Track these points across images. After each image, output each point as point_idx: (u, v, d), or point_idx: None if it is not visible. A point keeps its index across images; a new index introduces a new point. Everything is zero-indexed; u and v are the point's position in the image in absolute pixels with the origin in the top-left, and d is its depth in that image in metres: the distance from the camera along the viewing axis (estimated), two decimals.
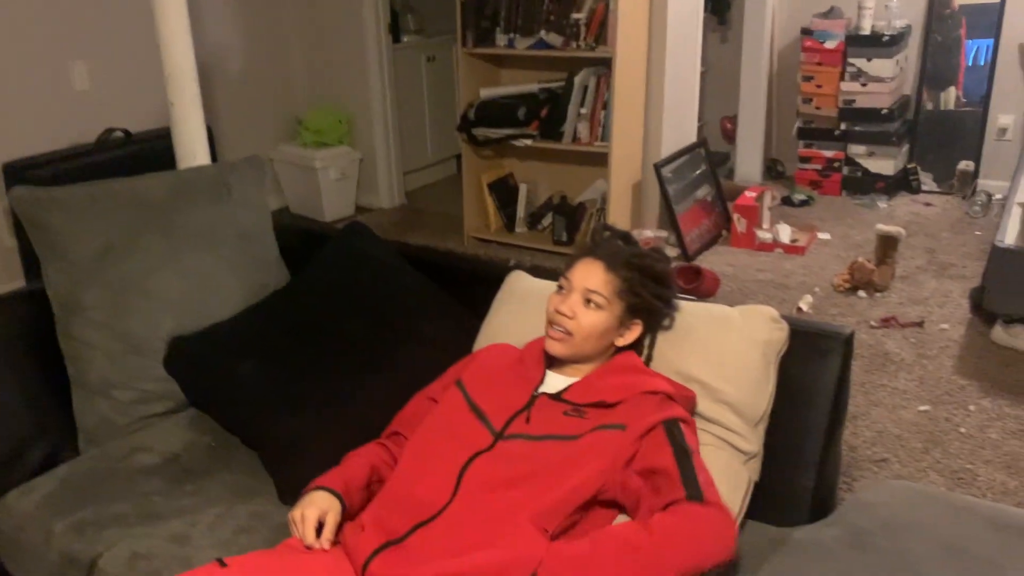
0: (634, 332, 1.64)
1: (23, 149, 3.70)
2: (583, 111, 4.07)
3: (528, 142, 4.20)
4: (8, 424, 1.90)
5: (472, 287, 2.09)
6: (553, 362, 1.66)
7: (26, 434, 1.92)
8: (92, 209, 1.96)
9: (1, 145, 3.68)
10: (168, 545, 1.58)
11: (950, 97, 4.90)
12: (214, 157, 2.71)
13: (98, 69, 4.08)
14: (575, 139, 4.12)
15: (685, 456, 1.41)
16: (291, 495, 1.68)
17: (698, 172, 4.46)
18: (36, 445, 1.93)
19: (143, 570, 1.54)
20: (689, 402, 1.58)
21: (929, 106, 4.97)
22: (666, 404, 1.50)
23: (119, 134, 3.91)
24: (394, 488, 1.50)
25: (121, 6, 4.09)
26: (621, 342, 1.63)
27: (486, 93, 4.34)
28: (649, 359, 1.68)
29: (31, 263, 2.01)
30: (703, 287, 3.71)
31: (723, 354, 1.64)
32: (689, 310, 1.72)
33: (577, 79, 4.01)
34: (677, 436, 1.44)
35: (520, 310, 1.88)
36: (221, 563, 1.37)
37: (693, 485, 1.37)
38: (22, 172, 3.51)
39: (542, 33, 4.02)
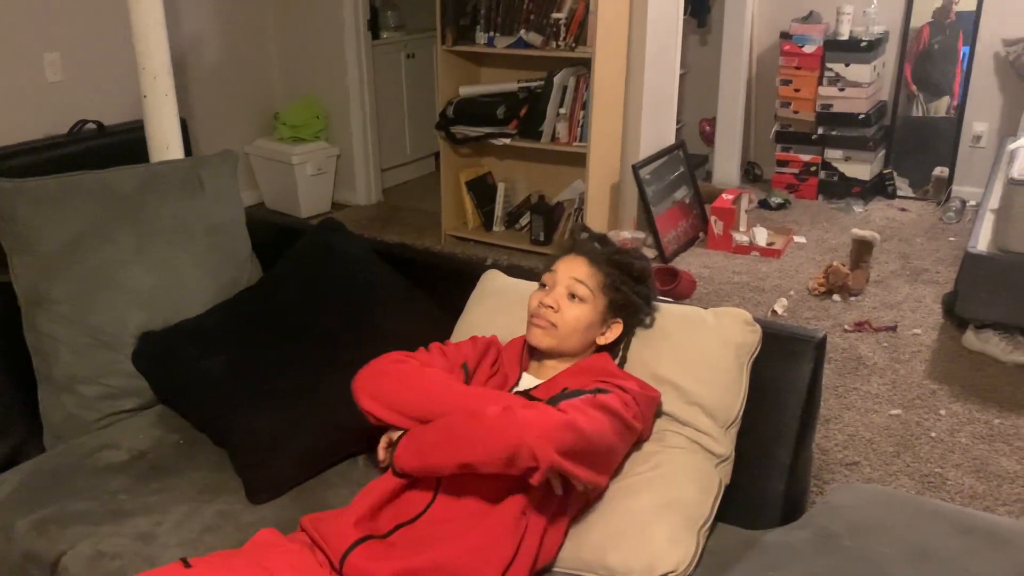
0: (615, 331, 1.64)
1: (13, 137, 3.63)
2: (562, 111, 4.06)
3: (507, 141, 4.19)
4: None
5: (448, 285, 2.08)
6: (530, 363, 1.66)
7: None
8: (61, 201, 1.92)
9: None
10: (133, 544, 1.56)
11: (941, 105, 4.93)
12: (188, 151, 2.68)
13: (71, 60, 4.03)
14: (554, 139, 4.12)
15: (577, 394, 1.43)
16: (259, 493, 1.66)
17: (676, 174, 4.48)
18: (0, 441, 1.89)
19: (107, 569, 1.52)
20: (653, 402, 1.59)
21: (919, 113, 4.99)
22: (612, 388, 1.50)
23: (91, 126, 3.86)
24: (381, 487, 1.49)
25: None
26: (602, 340, 1.64)
27: (465, 91, 4.33)
28: (624, 361, 1.68)
29: None
30: (680, 289, 3.72)
31: (697, 356, 1.64)
32: (663, 312, 1.72)
33: (556, 79, 4.01)
34: (593, 391, 1.45)
35: (495, 309, 1.87)
36: (185, 563, 1.35)
37: (558, 400, 1.40)
38: None
39: (522, 32, 4.01)
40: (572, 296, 1.60)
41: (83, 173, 2.01)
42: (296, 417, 1.73)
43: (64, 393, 1.90)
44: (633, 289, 1.64)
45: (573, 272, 1.61)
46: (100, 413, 1.91)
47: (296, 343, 1.93)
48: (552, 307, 1.59)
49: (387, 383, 1.53)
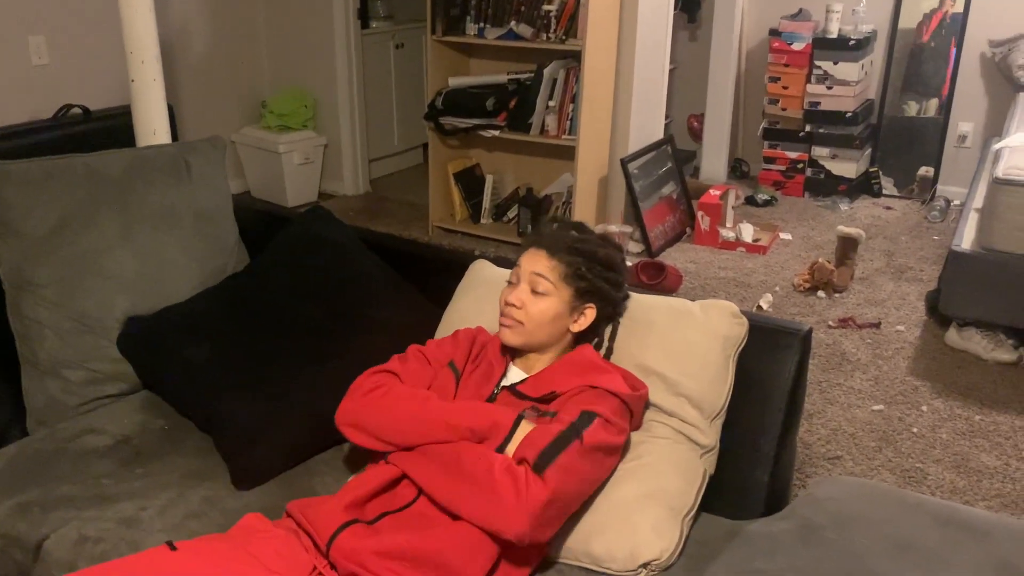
0: (588, 317, 1.64)
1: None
2: (551, 104, 4.06)
3: (496, 133, 4.19)
4: None
5: (435, 276, 2.08)
6: (515, 355, 1.66)
7: None
8: (47, 184, 1.91)
9: None
10: (117, 528, 1.55)
11: (931, 106, 4.95)
12: (175, 137, 2.66)
13: (57, 44, 3.99)
14: (543, 131, 4.12)
15: (566, 437, 1.41)
16: (244, 480, 1.66)
17: (664, 169, 4.49)
18: None
19: (90, 553, 1.51)
20: (641, 400, 1.59)
21: (912, 112, 5.00)
22: (601, 399, 1.50)
23: (77, 110, 3.83)
24: (372, 479, 1.49)
25: None
26: (576, 328, 1.63)
27: (455, 82, 4.32)
28: (610, 352, 1.68)
29: None
30: (666, 283, 3.74)
31: (683, 348, 1.65)
32: (650, 304, 1.73)
33: (546, 71, 4.01)
34: (580, 423, 1.44)
35: (483, 298, 1.87)
36: (171, 547, 1.35)
37: (547, 459, 1.37)
38: None
39: (512, 24, 4.01)
40: (535, 290, 1.60)
41: (69, 157, 1.99)
42: (281, 405, 1.73)
43: (48, 377, 1.89)
44: (600, 275, 1.63)
45: (533, 266, 1.61)
46: (84, 398, 1.90)
47: (282, 331, 1.93)
48: (516, 304, 1.59)
49: (367, 414, 1.56)
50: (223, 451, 1.71)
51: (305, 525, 1.42)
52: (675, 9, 4.47)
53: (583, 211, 4.14)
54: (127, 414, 1.88)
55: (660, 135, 4.56)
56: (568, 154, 4.09)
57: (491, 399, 1.58)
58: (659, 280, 3.73)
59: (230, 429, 1.70)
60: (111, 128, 3.64)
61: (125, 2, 2.38)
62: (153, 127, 2.48)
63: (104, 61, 4.03)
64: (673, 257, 4.21)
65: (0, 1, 3.75)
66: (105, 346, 1.91)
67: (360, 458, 1.67)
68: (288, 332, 1.92)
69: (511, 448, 1.42)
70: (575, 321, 1.63)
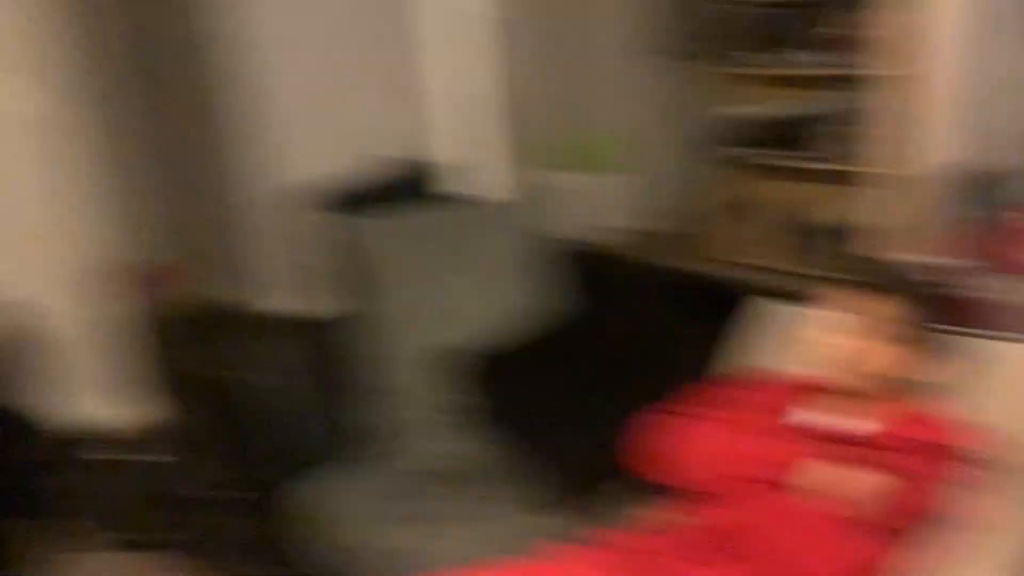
0: (918, 364, 1.54)
1: (316, 170, 3.82)
2: (842, 129, 3.89)
3: (782, 162, 4.10)
4: (314, 426, 2.15)
5: (726, 311, 2.07)
6: (819, 395, 1.60)
7: (329, 437, 2.14)
8: (402, 236, 2.26)
9: (301, 165, 3.78)
10: (451, 545, 1.70)
11: None
12: (495, 188, 2.95)
13: (379, 94, 4.10)
14: (834, 159, 3.95)
15: (902, 502, 1.40)
16: (579, 511, 1.76)
17: (986, 194, 4.10)
18: (336, 447, 2.14)
19: (417, 567, 1.64)
20: (984, 457, 1.48)
21: None
22: (931, 456, 1.44)
23: (406, 163, 4.11)
24: (696, 516, 1.54)
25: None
26: (903, 374, 1.55)
27: (737, 111, 4.30)
28: (949, 401, 1.57)
29: (338, 284, 2.33)
30: (992, 321, 3.41)
31: None
32: (987, 347, 1.62)
33: (837, 97, 3.85)
34: (911, 485, 1.41)
35: (774, 337, 1.87)
36: (494, 567, 1.45)
37: (882, 523, 1.39)
38: (322, 194, 3.77)
39: (798, 51, 3.92)
40: (863, 333, 1.52)
41: (416, 211, 2.35)
42: (616, 439, 1.82)
43: (396, 405, 2.18)
44: (932, 316, 1.56)
45: (861, 308, 1.53)
46: (430, 424, 2.16)
47: (594, 366, 2.09)
48: (848, 346, 1.53)
49: (670, 450, 1.59)
50: (548, 480, 1.84)
51: (628, 555, 1.47)
52: (997, 12, 4.09)
53: (881, 243, 3.90)
54: (467, 441, 2.08)
55: (973, 155, 4.18)
56: (861, 181, 3.88)
57: (788, 439, 1.54)
58: (983, 318, 3.41)
59: (569, 461, 1.84)
60: (439, 180, 3.99)
61: (458, 56, 2.59)
62: (485, 180, 2.74)
63: (435, 114, 4.25)
64: (999, 291, 3.83)
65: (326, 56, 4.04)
66: (442, 378, 2.16)
67: (660, 492, 1.68)
68: (599, 367, 2.07)
69: (807, 488, 1.43)
70: (903, 366, 1.55)
